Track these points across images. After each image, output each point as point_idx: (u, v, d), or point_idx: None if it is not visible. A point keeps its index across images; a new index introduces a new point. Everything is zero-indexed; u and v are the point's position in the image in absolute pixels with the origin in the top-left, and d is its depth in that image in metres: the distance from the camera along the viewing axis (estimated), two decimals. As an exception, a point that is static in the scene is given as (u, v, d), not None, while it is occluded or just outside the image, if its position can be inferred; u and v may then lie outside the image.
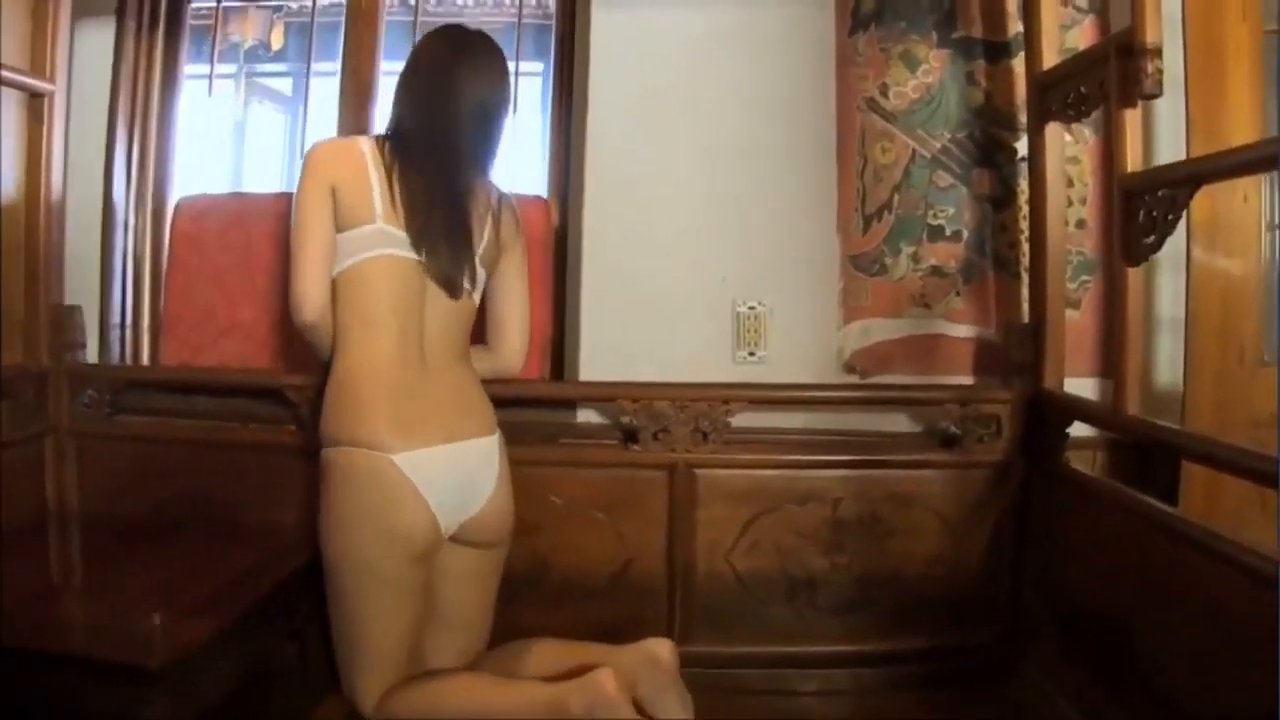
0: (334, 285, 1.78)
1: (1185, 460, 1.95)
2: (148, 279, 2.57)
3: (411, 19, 2.90)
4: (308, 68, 2.83)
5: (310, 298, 1.75)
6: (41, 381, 2.24)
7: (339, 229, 1.77)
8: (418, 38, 2.67)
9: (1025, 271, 2.30)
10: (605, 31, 2.39)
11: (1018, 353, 2.20)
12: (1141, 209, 1.75)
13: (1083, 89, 1.95)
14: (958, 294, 2.34)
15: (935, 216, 2.34)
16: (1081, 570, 1.98)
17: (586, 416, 2.40)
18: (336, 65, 2.59)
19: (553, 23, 2.65)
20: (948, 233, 2.34)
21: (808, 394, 2.27)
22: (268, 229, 2.37)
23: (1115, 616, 1.81)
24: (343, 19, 2.57)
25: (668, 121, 2.39)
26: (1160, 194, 1.69)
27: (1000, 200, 2.33)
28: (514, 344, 2.03)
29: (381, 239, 1.75)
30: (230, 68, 3.54)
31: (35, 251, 2.19)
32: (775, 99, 2.37)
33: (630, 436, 2.24)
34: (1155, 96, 1.74)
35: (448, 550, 1.85)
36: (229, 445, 2.28)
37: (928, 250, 2.34)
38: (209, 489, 2.22)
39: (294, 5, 3.81)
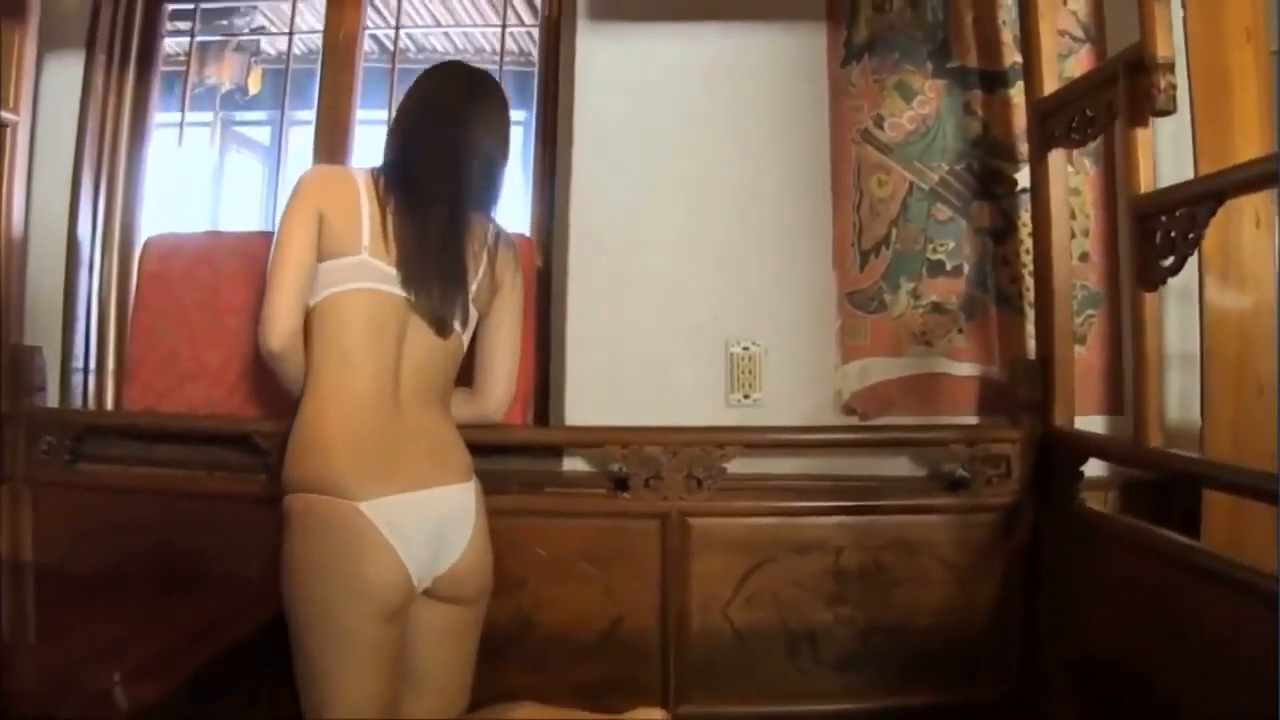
0: (309, 316, 1.65)
1: (1213, 490, 1.85)
2: (112, 321, 2.44)
3: (389, 65, 2.83)
4: (282, 115, 2.75)
5: (279, 323, 1.62)
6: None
7: (322, 257, 1.66)
8: (396, 83, 2.67)
9: (1029, 306, 2.19)
10: (589, 69, 2.31)
11: (1025, 390, 2.08)
12: (1158, 230, 1.65)
13: (1088, 112, 1.85)
14: (960, 331, 2.22)
15: (935, 251, 2.23)
16: (1097, 616, 1.83)
17: (573, 465, 2.26)
18: (314, 113, 2.52)
19: (534, 69, 2.58)
20: (948, 267, 2.23)
21: (806, 437, 2.15)
22: (238, 269, 2.26)
23: (1134, 664, 1.68)
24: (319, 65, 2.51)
25: (654, 158, 2.29)
26: (1178, 214, 1.59)
27: (1001, 233, 2.23)
28: (500, 389, 1.90)
29: (365, 272, 1.64)
30: (206, 115, 3.46)
31: (-8, 293, 2.08)
32: (766, 133, 2.28)
33: (620, 484, 2.11)
34: (1169, 113, 1.64)
35: (422, 606, 1.68)
36: (195, 495, 2.14)
37: (928, 286, 2.23)
38: (173, 541, 2.08)
39: (271, 51, 3.75)
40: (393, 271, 1.65)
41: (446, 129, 1.75)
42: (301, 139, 2.73)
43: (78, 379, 2.42)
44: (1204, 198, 1.56)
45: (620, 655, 2.08)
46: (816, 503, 2.10)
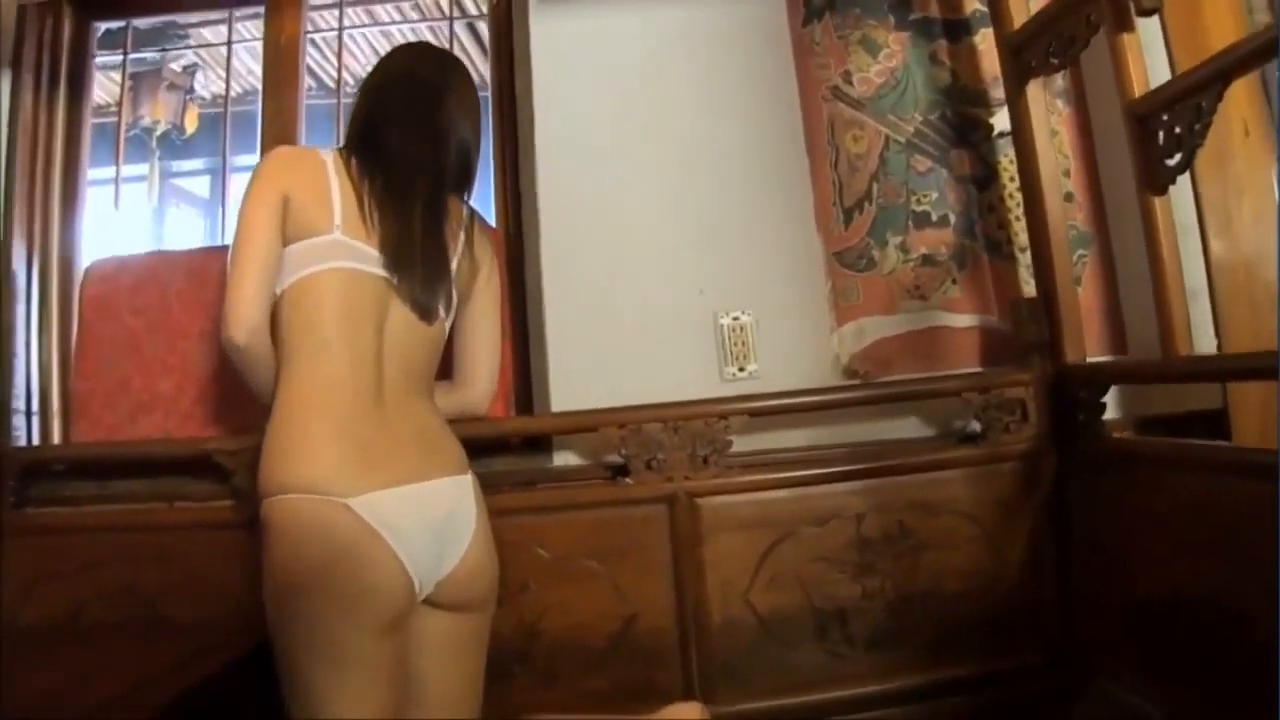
0: (278, 304, 1.47)
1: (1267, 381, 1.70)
2: (55, 355, 2.22)
3: (334, 101, 2.71)
4: (224, 161, 2.61)
5: (243, 314, 1.44)
6: (-74, 471, 1.86)
7: (289, 240, 1.50)
8: (341, 119, 2.55)
9: (1020, 251, 2.10)
10: (545, 52, 2.21)
11: (1032, 330, 1.96)
12: (1160, 129, 1.57)
13: (1066, 32, 1.77)
14: (954, 282, 2.11)
15: (919, 203, 2.12)
16: (1141, 551, 1.69)
17: (565, 459, 2.08)
18: (254, 158, 2.36)
19: (486, 64, 2.47)
20: (934, 218, 2.13)
21: (812, 399, 1.97)
22: (188, 289, 2.09)
23: (1192, 591, 1.54)
24: (259, 105, 2.37)
25: (620, 133, 2.17)
26: (1181, 106, 1.51)
27: (983, 180, 2.14)
28: (483, 379, 1.73)
29: (339, 250, 1.48)
30: (142, 167, 3.31)
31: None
32: (734, 99, 2.18)
33: (619, 471, 1.93)
34: (1154, 11, 1.57)
35: (423, 616, 1.48)
36: (155, 528, 1.91)
37: (915, 239, 2.12)
38: (136, 580, 1.86)
39: (206, 95, 3.63)
40: (370, 251, 1.49)
41: (423, 108, 1.64)
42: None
43: (19, 421, 2.18)
44: (1209, 81, 1.47)
45: (636, 658, 1.89)
46: (830, 468, 1.93)
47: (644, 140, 2.17)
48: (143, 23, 2.50)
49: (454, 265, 1.61)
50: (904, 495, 1.94)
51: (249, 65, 3.52)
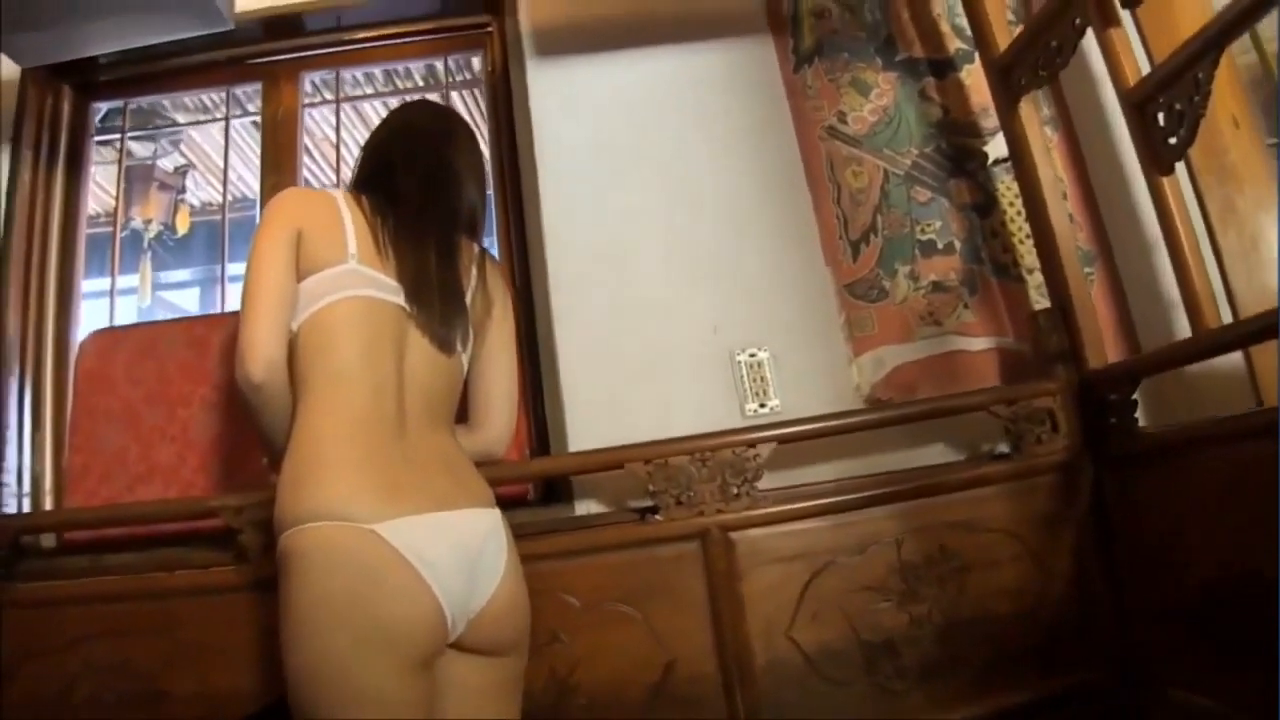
0: (295, 340, 1.39)
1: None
2: (48, 429, 2.08)
3: (334, 177, 2.70)
4: (223, 271, 2.55)
5: (259, 348, 1.35)
6: (-88, 549, 1.70)
7: (304, 274, 1.43)
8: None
9: (1028, 273, 2.09)
10: (545, 107, 2.22)
11: (1052, 341, 1.92)
12: (1159, 111, 1.58)
13: (1053, 42, 1.82)
14: (966, 306, 2.08)
15: (923, 232, 2.12)
16: (1196, 543, 1.61)
17: (587, 508, 1.97)
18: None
19: (484, 122, 2.47)
20: (939, 246, 2.12)
21: (841, 423, 1.88)
22: (187, 357, 2.02)
23: (1265, 572, 1.41)
24: (255, 211, 2.36)
25: (623, 181, 2.17)
26: (1177, 84, 1.52)
27: (983, 207, 2.15)
28: (501, 418, 1.64)
29: (356, 279, 1.42)
30: (132, 278, 3.25)
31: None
32: (732, 140, 2.20)
33: (647, 514, 1.83)
34: (1138, 3, 1.64)
35: (452, 663, 1.34)
36: (152, 596, 1.76)
37: (923, 266, 2.10)
38: (128, 656, 1.70)
39: (196, 202, 3.62)
40: (388, 280, 1.43)
41: (430, 155, 1.63)
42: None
43: (10, 501, 2.01)
44: (1204, 50, 1.49)
45: (678, 708, 1.75)
46: (865, 493, 1.84)
47: (646, 187, 2.16)
48: (137, 117, 2.51)
49: (469, 300, 1.55)
50: (942, 516, 1.85)
51: (239, 172, 3.56)
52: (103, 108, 2.47)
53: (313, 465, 1.29)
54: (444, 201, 1.58)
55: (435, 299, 1.47)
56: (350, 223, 1.46)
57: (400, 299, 1.44)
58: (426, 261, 1.49)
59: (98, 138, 2.41)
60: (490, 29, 2.41)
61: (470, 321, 1.55)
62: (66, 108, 2.32)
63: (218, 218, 4.19)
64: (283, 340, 1.38)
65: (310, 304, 1.40)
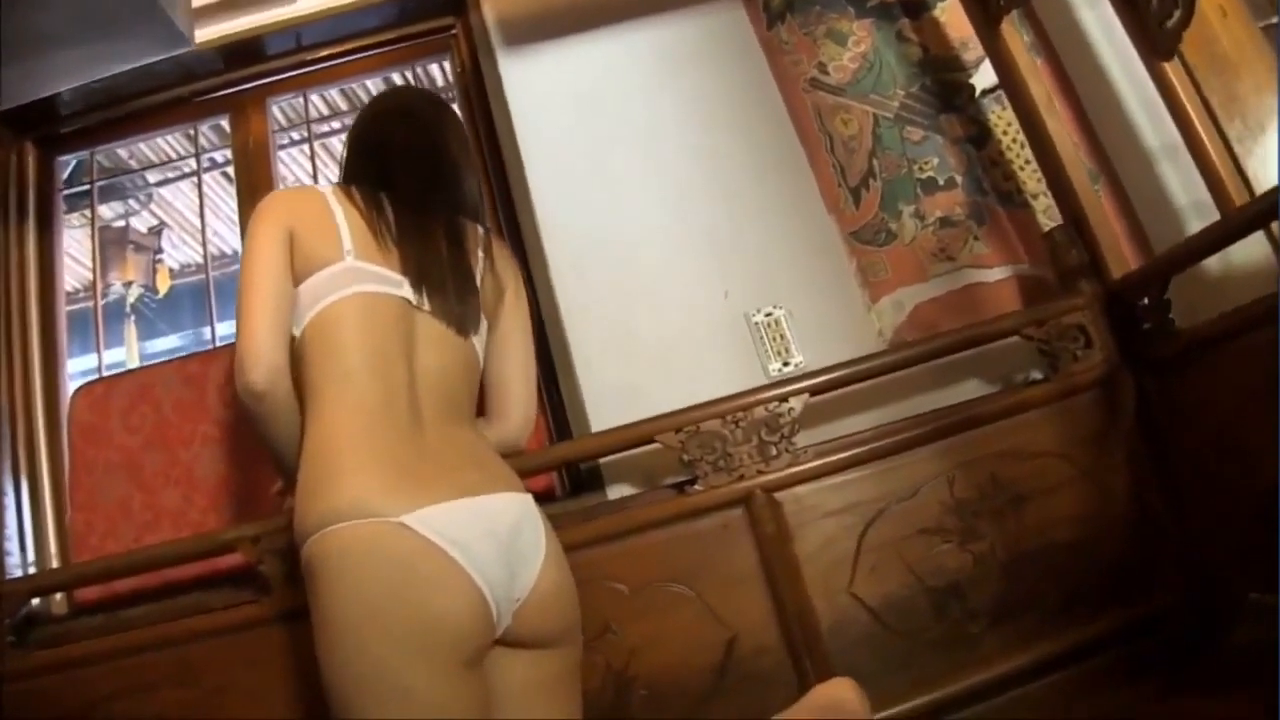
0: (297, 347, 1.29)
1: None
2: (47, 489, 1.96)
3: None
4: (213, 332, 2.45)
5: (260, 354, 1.24)
6: (-88, 624, 1.57)
7: (300, 277, 1.32)
8: None
9: (1032, 198, 2.02)
10: (522, 95, 2.15)
11: (1071, 256, 1.84)
12: (1151, -3, 1.52)
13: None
14: (976, 239, 2.00)
15: (921, 170, 2.05)
16: (1259, 434, 1.48)
17: (620, 492, 1.86)
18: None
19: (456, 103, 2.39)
20: (940, 182, 2.04)
21: (872, 364, 1.77)
22: (184, 396, 1.92)
23: None
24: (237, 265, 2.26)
25: (612, 159, 2.09)
26: None
27: (978, 139, 2.08)
28: (520, 407, 1.51)
29: (355, 276, 1.31)
30: (119, 352, 3.13)
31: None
32: (715, 104, 2.13)
33: (684, 483, 1.72)
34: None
35: (503, 660, 1.23)
36: (171, 644, 1.63)
37: (927, 204, 2.03)
38: (155, 710, 1.58)
39: (175, 264, 3.52)
40: (391, 274, 1.33)
41: (427, 136, 1.52)
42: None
43: (12, 561, 1.88)
44: None
45: (746, 686, 1.63)
46: (907, 433, 1.75)
47: (635, 163, 2.09)
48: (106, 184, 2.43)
49: (479, 280, 1.45)
50: (988, 447, 1.75)
51: (216, 228, 3.47)
52: (69, 161, 2.37)
53: (329, 467, 1.18)
54: (445, 186, 1.49)
55: (448, 281, 1.37)
56: (343, 218, 1.36)
57: (404, 291, 1.33)
58: (435, 247, 1.39)
59: (66, 191, 2.31)
60: (454, 30, 2.35)
61: (482, 306, 1.44)
62: (31, 164, 2.24)
63: (197, 278, 4.14)
64: (284, 345, 1.27)
65: (310, 307, 1.29)
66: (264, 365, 1.24)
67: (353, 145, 1.57)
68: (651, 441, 1.72)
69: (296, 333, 1.29)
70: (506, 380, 1.51)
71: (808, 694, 1.38)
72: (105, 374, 2.07)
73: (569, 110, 2.12)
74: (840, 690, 1.37)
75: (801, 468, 1.71)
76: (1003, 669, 1.65)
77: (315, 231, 1.35)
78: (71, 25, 1.74)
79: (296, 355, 1.29)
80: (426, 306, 1.34)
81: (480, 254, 1.48)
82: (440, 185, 1.48)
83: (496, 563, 1.18)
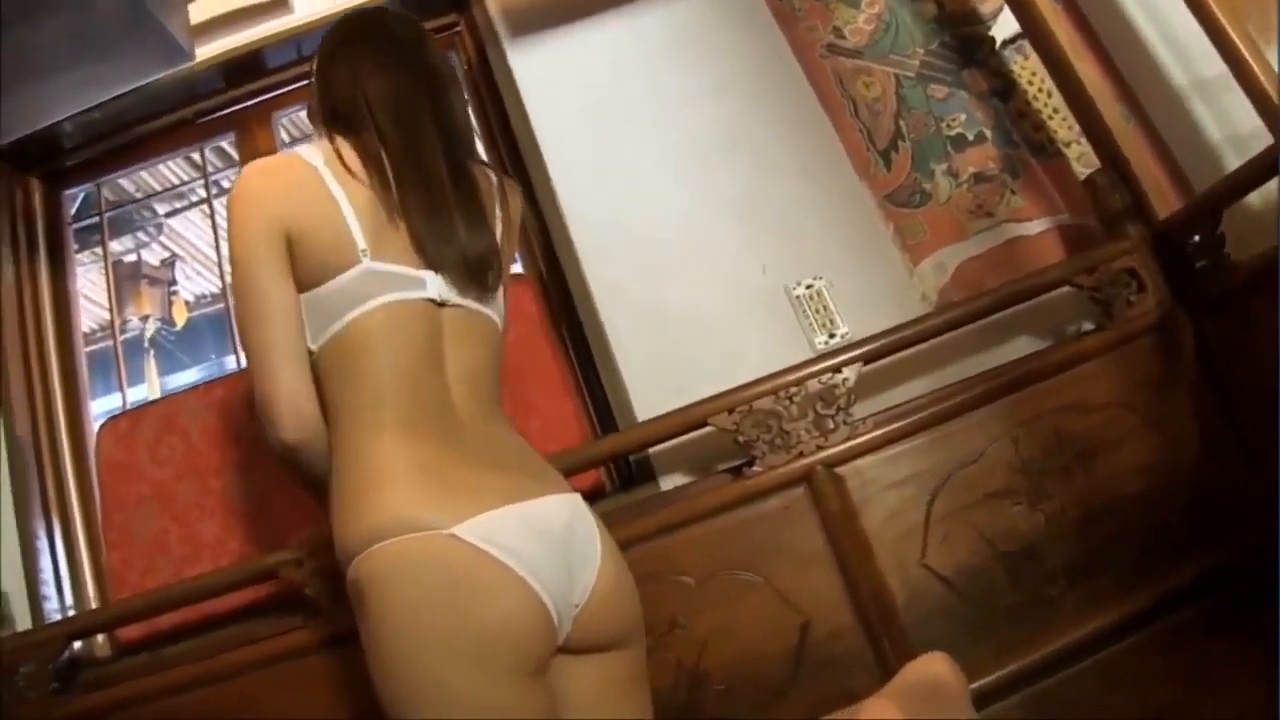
0: (312, 361, 1.16)
1: None
2: (80, 529, 1.89)
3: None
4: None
5: (286, 403, 1.13)
6: (-46, 675, 1.49)
7: (306, 284, 1.16)
8: None
9: (1065, 146, 1.95)
10: (531, 84, 2.07)
11: (1114, 199, 1.76)
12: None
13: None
14: (1013, 192, 1.93)
15: (949, 127, 1.98)
16: None
17: (672, 483, 1.79)
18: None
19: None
20: (970, 138, 1.98)
21: (923, 326, 1.70)
22: (212, 423, 1.84)
23: None
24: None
25: (631, 141, 2.02)
26: None
27: (1003, 91, 2.01)
28: None
29: (375, 283, 1.15)
30: (140, 389, 3.07)
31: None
32: (733, 80, 2.05)
33: (741, 466, 1.65)
34: None
35: (568, 668, 1.13)
36: (220, 679, 1.56)
37: (959, 162, 1.96)
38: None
39: (190, 296, 3.46)
40: (411, 272, 1.17)
41: (400, 51, 1.31)
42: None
43: (51, 607, 1.81)
44: None
45: (824, 671, 1.55)
46: (966, 395, 1.67)
47: (655, 144, 2.02)
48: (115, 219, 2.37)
49: (496, 228, 1.30)
50: (1049, 403, 1.68)
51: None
52: (76, 194, 2.31)
53: (369, 483, 1.08)
54: (435, 109, 1.29)
55: (456, 218, 1.22)
56: (346, 202, 1.18)
57: (428, 291, 1.18)
58: (435, 179, 1.22)
59: (75, 225, 2.25)
60: (459, 27, 2.29)
61: (502, 263, 1.30)
62: (38, 199, 2.18)
63: (214, 308, 4.07)
64: (309, 383, 1.15)
65: (326, 323, 1.15)
66: (291, 416, 1.13)
67: (323, 78, 1.34)
68: (703, 425, 1.64)
69: (312, 347, 1.16)
70: None
71: (901, 672, 1.31)
72: (130, 408, 1.99)
73: (582, 96, 2.05)
74: (934, 665, 1.30)
75: (861, 439, 1.63)
76: (1085, 630, 1.58)
77: (319, 229, 1.17)
78: (67, 47, 1.67)
79: (313, 371, 1.16)
80: (452, 300, 1.20)
81: (498, 211, 1.33)
82: (440, 118, 1.28)
83: (553, 568, 1.09)
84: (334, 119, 1.28)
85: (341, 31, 1.36)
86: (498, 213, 1.32)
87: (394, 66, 1.30)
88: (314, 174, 1.19)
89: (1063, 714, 1.57)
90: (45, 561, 1.85)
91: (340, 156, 1.20)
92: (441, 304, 1.20)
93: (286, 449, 1.14)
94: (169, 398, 1.98)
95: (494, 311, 1.28)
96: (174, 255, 3.46)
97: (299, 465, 1.17)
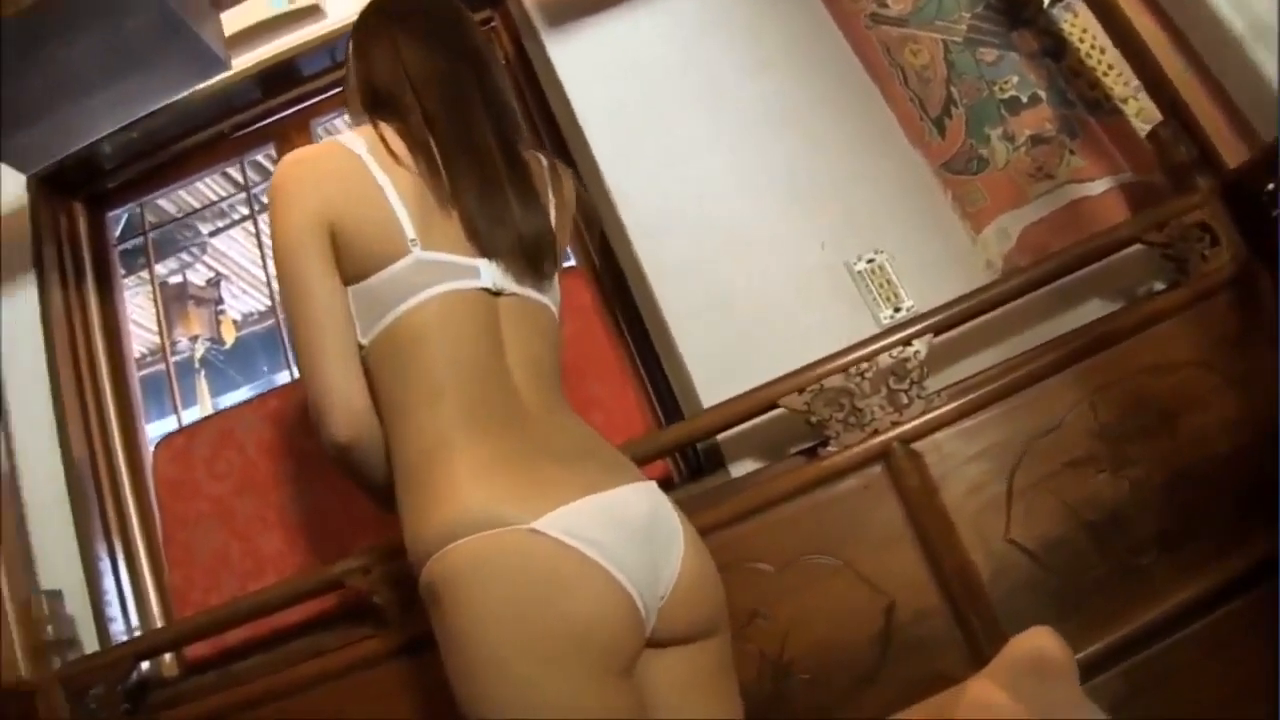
0: (363, 356, 1.11)
1: None
2: (141, 549, 1.86)
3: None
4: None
5: (337, 401, 1.09)
6: (26, 701, 1.47)
7: (353, 277, 1.12)
8: None
9: (1122, 103, 1.86)
10: (572, 72, 2.05)
11: (1179, 151, 1.69)
12: None
13: None
14: (1072, 153, 1.85)
15: (1002, 90, 1.90)
16: None
17: (742, 470, 1.74)
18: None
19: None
20: (1024, 100, 1.89)
21: (994, 292, 1.64)
22: (268, 435, 1.83)
23: None
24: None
25: (676, 123, 1.99)
26: None
27: (1055, 51, 1.93)
28: None
29: (427, 273, 1.10)
30: (193, 412, 3.08)
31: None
32: (777, 56, 2.01)
33: (814, 449, 1.60)
34: None
35: (654, 662, 1.08)
36: (292, 693, 1.54)
37: (1015, 125, 1.88)
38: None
39: (238, 315, 3.46)
40: (463, 260, 1.12)
41: (443, 37, 1.26)
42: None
43: (116, 628, 1.78)
44: None
45: (910, 653, 1.51)
46: (1040, 362, 1.61)
47: (701, 124, 1.98)
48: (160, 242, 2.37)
49: (551, 213, 1.25)
50: (1126, 366, 1.62)
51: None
52: (119, 215, 2.30)
53: (439, 480, 1.03)
54: (492, 107, 1.24)
55: (510, 200, 1.17)
56: (393, 190, 1.12)
57: (482, 280, 1.13)
58: (488, 163, 1.17)
59: (120, 247, 2.24)
60: (494, 22, 2.25)
61: (557, 251, 1.25)
62: (82, 223, 2.17)
63: (263, 325, 4.09)
64: (361, 380, 1.11)
65: (376, 316, 1.11)
66: (343, 414, 1.09)
67: (365, 66, 1.28)
68: (773, 408, 1.60)
69: (362, 342, 1.11)
70: None
71: (1004, 649, 1.27)
72: (184, 426, 1.98)
73: (624, 82, 2.02)
74: (1039, 640, 1.25)
75: (937, 413, 1.58)
76: (1180, 598, 1.51)
77: (364, 218, 1.12)
78: (102, 64, 1.66)
79: (364, 365, 1.12)
80: (509, 288, 1.15)
81: (550, 194, 1.27)
82: (488, 106, 1.23)
83: (638, 560, 1.03)
84: (376, 103, 1.23)
85: (377, 11, 1.30)
86: (550, 196, 1.27)
87: (436, 45, 1.24)
88: (357, 161, 1.14)
89: (1164, 685, 1.52)
90: (109, 583, 1.83)
91: (385, 142, 1.15)
92: (497, 293, 1.14)
93: (339, 448, 1.10)
94: (223, 413, 1.97)
95: (550, 300, 1.23)
96: (219, 274, 3.47)
97: (354, 465, 1.13)
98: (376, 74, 1.24)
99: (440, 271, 1.11)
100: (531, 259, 1.17)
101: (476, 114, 1.21)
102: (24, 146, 1.68)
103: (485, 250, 1.14)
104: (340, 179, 1.13)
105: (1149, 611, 1.52)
